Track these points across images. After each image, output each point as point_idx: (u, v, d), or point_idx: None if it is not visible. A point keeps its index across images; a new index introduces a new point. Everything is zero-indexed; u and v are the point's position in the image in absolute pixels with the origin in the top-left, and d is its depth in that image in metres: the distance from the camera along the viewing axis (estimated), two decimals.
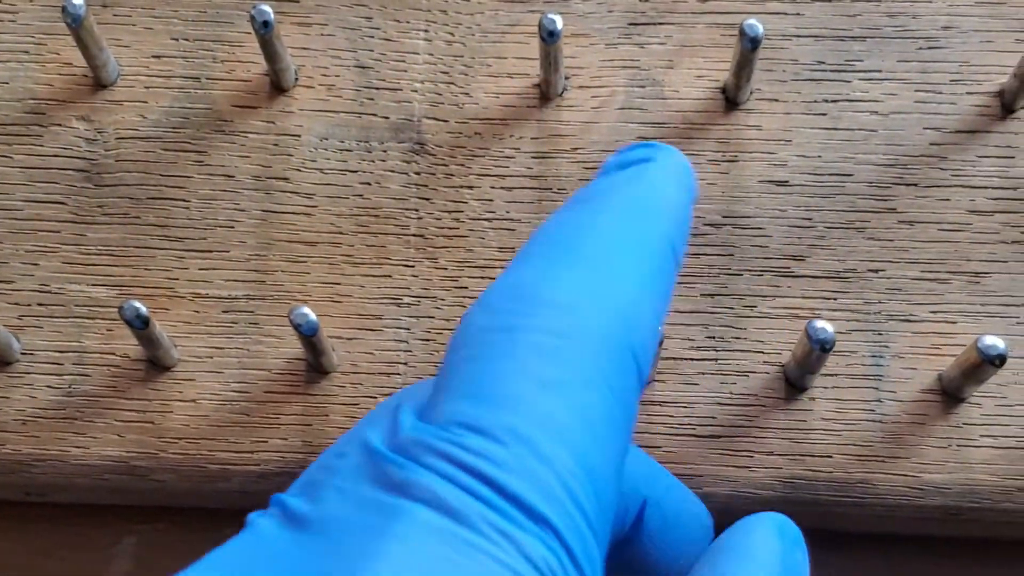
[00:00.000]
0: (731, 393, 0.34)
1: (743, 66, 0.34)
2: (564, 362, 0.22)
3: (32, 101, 0.36)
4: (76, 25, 0.33)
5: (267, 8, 0.33)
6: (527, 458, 0.21)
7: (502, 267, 0.35)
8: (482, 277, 0.35)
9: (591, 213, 0.24)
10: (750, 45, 0.33)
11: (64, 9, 0.33)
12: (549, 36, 0.33)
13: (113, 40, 0.36)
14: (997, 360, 0.30)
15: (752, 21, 0.33)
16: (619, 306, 0.23)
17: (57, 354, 0.34)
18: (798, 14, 0.37)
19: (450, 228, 0.35)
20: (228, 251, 0.35)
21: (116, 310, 0.34)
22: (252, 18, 0.33)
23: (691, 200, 0.26)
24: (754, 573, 0.25)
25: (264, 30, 0.33)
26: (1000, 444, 0.33)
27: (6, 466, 0.34)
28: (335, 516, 0.21)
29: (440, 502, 0.20)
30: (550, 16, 0.33)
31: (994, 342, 0.30)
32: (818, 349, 0.31)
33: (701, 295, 0.35)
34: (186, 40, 0.37)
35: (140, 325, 0.31)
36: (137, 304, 0.31)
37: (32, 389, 0.34)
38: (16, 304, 0.35)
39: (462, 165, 0.36)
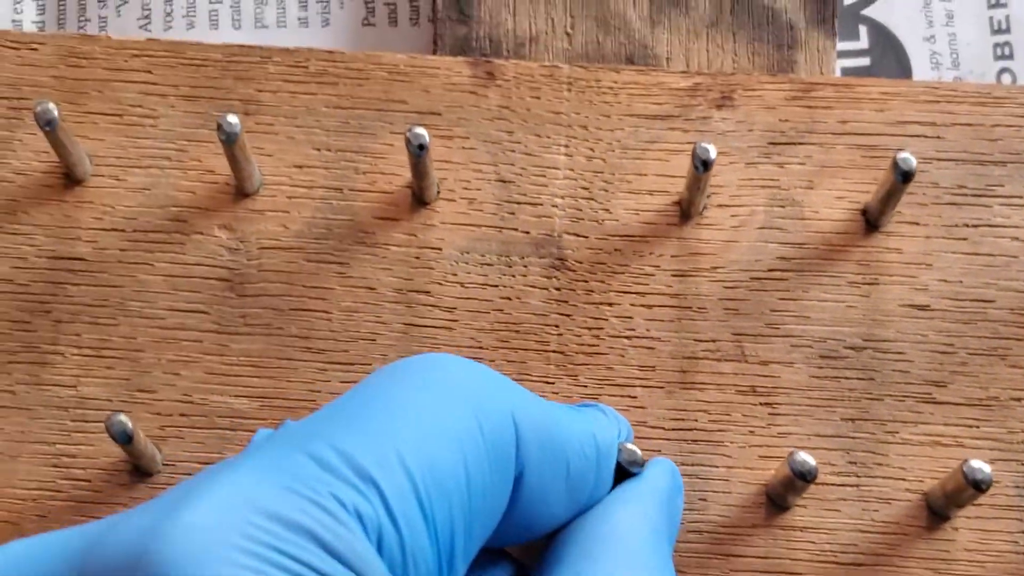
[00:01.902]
0: (873, 520, 0.34)
1: (891, 195, 0.34)
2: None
3: (175, 208, 0.37)
4: (230, 143, 0.33)
5: (423, 132, 0.33)
6: (379, 441, 0.23)
7: (642, 386, 0.35)
8: (622, 396, 0.35)
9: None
10: (902, 178, 0.33)
11: (219, 127, 0.33)
12: (702, 165, 0.33)
13: (256, 148, 0.37)
14: None
15: (905, 154, 0.33)
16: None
17: (198, 465, 0.34)
18: (938, 137, 0.37)
19: (590, 345, 0.35)
20: (370, 364, 0.35)
21: (258, 421, 0.34)
22: (408, 140, 0.33)
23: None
24: (648, 499, 0.29)
25: (419, 153, 0.33)
26: None
27: None
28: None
29: (271, 462, 0.23)
30: (704, 145, 0.33)
31: None
32: (973, 489, 0.31)
33: (842, 419, 0.34)
34: (328, 151, 0.37)
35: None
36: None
37: None
38: (158, 414, 0.35)
39: (602, 282, 0.36)
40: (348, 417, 0.24)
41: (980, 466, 0.31)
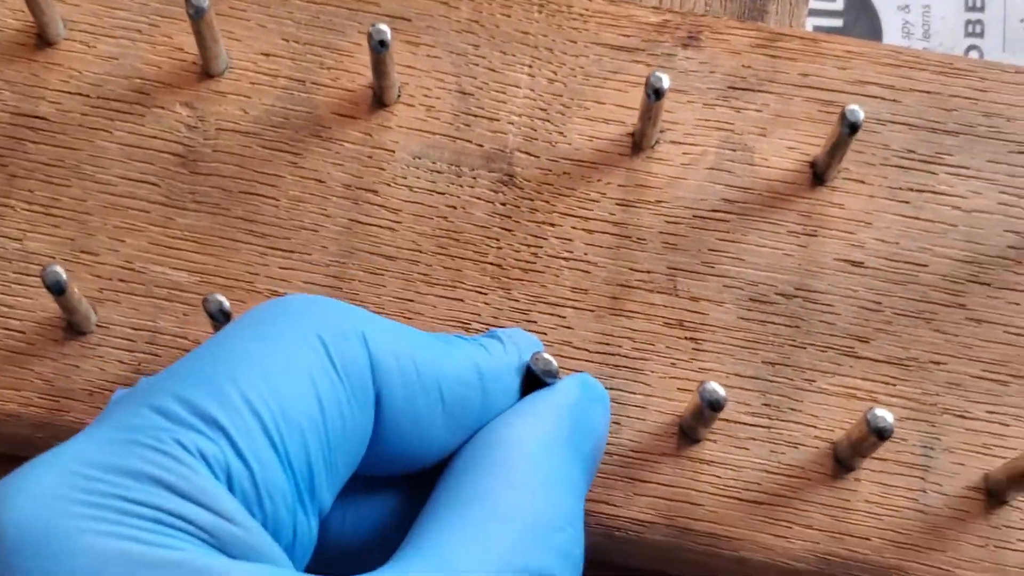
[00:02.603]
0: (779, 463, 0.34)
1: (838, 147, 0.35)
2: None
3: (139, 80, 0.37)
4: (198, 17, 0.34)
5: (385, 28, 0.33)
6: (222, 383, 0.24)
7: (572, 307, 0.35)
8: (551, 314, 0.35)
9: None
10: (848, 130, 0.33)
11: (188, 1, 0.34)
12: (654, 93, 0.33)
13: (226, 32, 0.37)
14: None
15: (854, 107, 0.33)
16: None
17: (131, 331, 0.35)
18: (895, 100, 0.37)
19: (527, 262, 0.36)
20: (310, 254, 0.36)
21: (195, 295, 0.35)
22: (370, 35, 0.33)
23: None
24: (544, 410, 0.29)
25: (380, 49, 0.34)
26: None
27: (68, 433, 0.34)
28: None
29: (116, 421, 0.24)
30: (658, 74, 0.33)
31: None
32: (875, 437, 0.31)
33: (763, 362, 0.35)
34: (296, 42, 0.37)
35: (221, 319, 0.32)
36: (221, 298, 0.32)
37: (103, 362, 0.35)
38: (98, 277, 0.35)
39: (547, 202, 0.36)
40: (194, 367, 0.25)
41: (883, 414, 0.31)
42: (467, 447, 0.28)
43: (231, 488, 0.23)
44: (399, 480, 0.29)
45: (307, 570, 0.26)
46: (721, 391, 0.32)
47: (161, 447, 0.23)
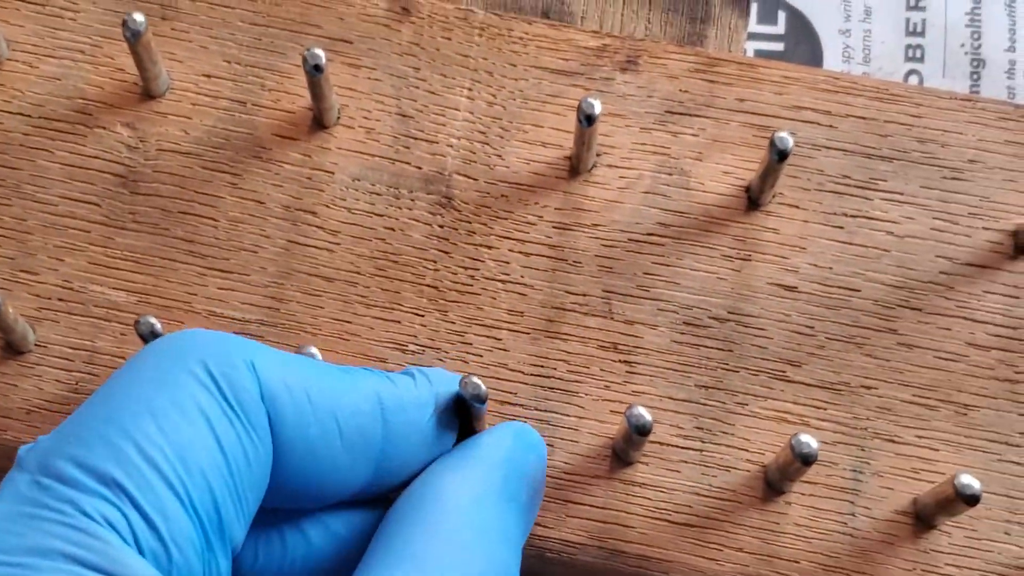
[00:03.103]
0: (711, 485, 0.35)
1: (769, 173, 0.35)
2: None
3: (81, 101, 0.37)
4: (135, 40, 0.34)
5: (320, 53, 0.34)
6: (117, 440, 0.24)
7: (508, 330, 0.36)
8: (487, 336, 0.36)
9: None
10: (777, 157, 0.34)
11: (124, 24, 0.34)
12: (586, 119, 0.34)
13: (167, 53, 0.38)
14: (971, 500, 0.31)
15: (783, 134, 0.34)
16: None
17: (70, 351, 0.35)
18: (831, 126, 0.37)
19: (464, 284, 0.36)
20: (248, 275, 0.36)
21: (133, 315, 0.35)
22: (304, 60, 0.34)
23: None
24: (475, 462, 0.29)
25: (315, 73, 0.34)
26: None
27: (4, 452, 0.35)
28: None
29: (18, 494, 0.23)
30: (589, 100, 0.34)
31: (970, 482, 0.31)
32: (800, 462, 0.32)
33: (696, 385, 0.35)
34: (238, 64, 0.38)
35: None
36: (153, 320, 0.32)
37: (40, 381, 0.35)
38: (37, 296, 0.36)
39: (484, 224, 0.37)
40: (86, 422, 0.25)
41: (808, 440, 0.31)
42: (398, 503, 0.28)
43: (139, 548, 0.23)
44: (315, 515, 0.29)
45: None
46: (647, 415, 0.32)
47: (67, 520, 0.23)
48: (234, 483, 0.25)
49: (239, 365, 0.26)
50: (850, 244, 0.37)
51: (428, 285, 0.36)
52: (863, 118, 0.38)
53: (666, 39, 0.40)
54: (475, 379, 0.30)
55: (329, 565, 0.29)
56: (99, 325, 0.36)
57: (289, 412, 0.27)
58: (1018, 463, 0.35)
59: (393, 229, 0.37)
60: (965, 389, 0.35)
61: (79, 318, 0.36)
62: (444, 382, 0.30)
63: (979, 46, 0.41)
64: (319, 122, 0.37)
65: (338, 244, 0.36)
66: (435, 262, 0.36)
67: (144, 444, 0.24)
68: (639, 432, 0.32)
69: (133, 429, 0.24)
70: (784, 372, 0.36)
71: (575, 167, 0.37)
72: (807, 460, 0.32)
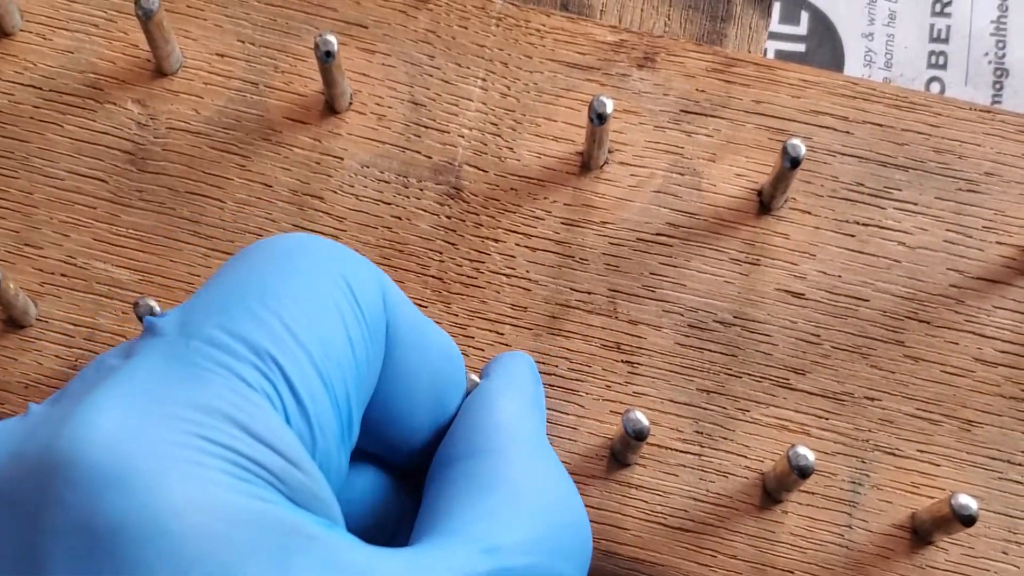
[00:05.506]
0: (708, 491, 0.34)
1: (780, 179, 0.34)
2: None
3: (92, 75, 0.37)
4: (147, 19, 0.34)
5: (332, 39, 0.33)
6: (264, 315, 0.23)
7: (511, 324, 0.35)
8: (489, 330, 0.35)
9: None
10: (789, 164, 0.33)
11: (137, 2, 0.34)
12: (598, 118, 0.33)
13: (181, 31, 0.37)
14: (967, 521, 0.31)
15: (795, 141, 0.33)
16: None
17: (71, 327, 0.35)
18: (847, 132, 0.37)
19: (469, 277, 0.36)
20: None
21: (135, 294, 0.35)
22: (316, 45, 0.33)
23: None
24: (512, 381, 0.30)
25: (326, 59, 0.33)
26: None
27: None
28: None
29: (169, 353, 0.22)
30: (601, 99, 0.33)
31: (967, 503, 0.31)
32: (796, 474, 0.31)
33: (698, 389, 0.35)
34: (252, 44, 0.37)
35: None
36: (152, 303, 0.32)
37: (40, 356, 0.35)
38: (40, 271, 0.36)
39: (492, 217, 0.36)
40: (228, 300, 0.23)
41: (804, 452, 0.31)
42: (464, 427, 0.28)
43: (288, 424, 0.22)
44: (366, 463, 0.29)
45: None
46: (644, 420, 0.32)
47: (227, 383, 0.21)
48: (359, 385, 0.24)
49: (370, 284, 0.25)
50: (861, 253, 0.36)
51: (433, 276, 0.36)
52: (880, 125, 0.37)
53: (685, 36, 0.40)
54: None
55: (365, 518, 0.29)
56: (101, 302, 0.35)
57: (403, 337, 0.26)
58: (1019, 482, 0.34)
59: (400, 218, 0.36)
60: (970, 405, 0.35)
61: (81, 294, 0.35)
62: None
63: (1003, 55, 0.40)
64: (331, 107, 0.37)
65: (344, 231, 0.36)
66: (440, 253, 0.36)
67: (293, 325, 0.23)
68: (636, 437, 0.32)
69: (278, 307, 0.23)
70: (787, 379, 0.35)
71: (586, 163, 0.37)
72: (804, 473, 0.31)
